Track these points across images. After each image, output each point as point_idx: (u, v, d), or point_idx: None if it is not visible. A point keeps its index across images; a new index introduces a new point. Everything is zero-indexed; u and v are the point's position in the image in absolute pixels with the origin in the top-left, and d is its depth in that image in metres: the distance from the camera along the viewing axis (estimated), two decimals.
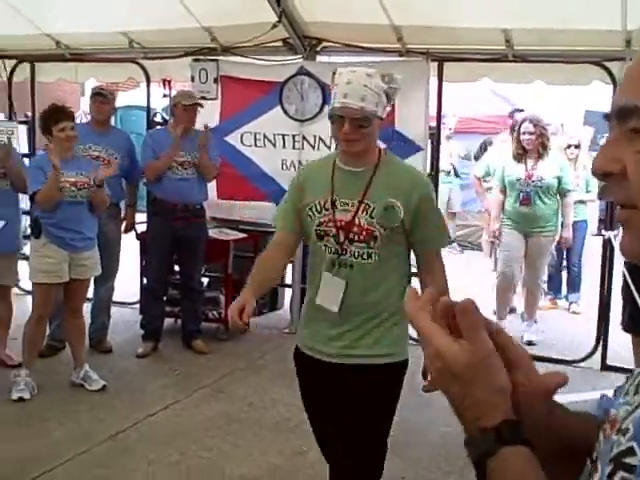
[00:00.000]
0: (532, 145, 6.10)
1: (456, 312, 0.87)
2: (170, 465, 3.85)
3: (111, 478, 3.70)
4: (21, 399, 4.59)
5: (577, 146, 7.22)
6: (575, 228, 6.73)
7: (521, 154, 6.18)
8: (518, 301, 6.80)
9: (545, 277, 7.00)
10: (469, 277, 7.75)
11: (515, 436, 0.85)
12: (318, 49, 6.20)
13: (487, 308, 6.30)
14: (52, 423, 4.33)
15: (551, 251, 6.56)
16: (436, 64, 5.82)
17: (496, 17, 5.30)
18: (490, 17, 5.31)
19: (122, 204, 6.04)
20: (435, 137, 6.07)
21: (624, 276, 4.78)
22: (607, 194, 0.82)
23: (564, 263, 7.41)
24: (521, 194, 6.13)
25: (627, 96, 0.77)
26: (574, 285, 7.37)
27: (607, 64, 5.38)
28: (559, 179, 6.14)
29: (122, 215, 6.02)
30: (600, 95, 8.46)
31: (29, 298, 5.06)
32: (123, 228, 5.96)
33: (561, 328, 6.70)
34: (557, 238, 6.35)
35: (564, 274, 7.47)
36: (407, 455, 4.09)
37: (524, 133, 6.11)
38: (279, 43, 6.13)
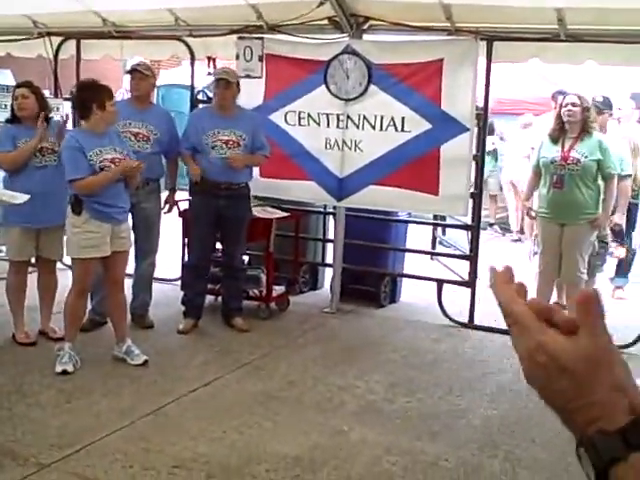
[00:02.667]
0: (574, 119, 5.73)
1: (577, 301, 0.79)
2: (212, 440, 3.85)
3: (155, 451, 3.70)
4: (65, 372, 4.62)
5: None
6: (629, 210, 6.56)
7: (559, 133, 5.87)
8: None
9: (584, 268, 6.48)
10: (510, 261, 7.65)
11: None
12: (365, 27, 6.12)
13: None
14: (95, 396, 4.35)
15: (592, 241, 6.06)
16: (485, 43, 5.71)
17: None
18: None
19: (162, 180, 6.04)
20: (482, 118, 5.95)
21: None
22: None
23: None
24: (554, 176, 5.82)
25: None
26: (623, 269, 7.08)
27: None
28: (598, 162, 5.74)
29: (161, 191, 6.02)
30: None
31: (69, 273, 5.09)
32: (165, 209, 5.96)
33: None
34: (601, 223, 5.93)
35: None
36: (449, 438, 4.05)
37: (566, 105, 5.79)
38: (325, 21, 6.06)
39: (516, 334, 0.82)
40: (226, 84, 5.52)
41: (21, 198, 3.85)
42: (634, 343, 5.56)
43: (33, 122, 5.12)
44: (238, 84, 5.62)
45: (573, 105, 5.77)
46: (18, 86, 5.26)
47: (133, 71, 5.68)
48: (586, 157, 5.74)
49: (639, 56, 5.46)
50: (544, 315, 0.81)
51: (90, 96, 4.70)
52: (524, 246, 9.00)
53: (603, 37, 5.42)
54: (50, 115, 5.34)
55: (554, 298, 6.33)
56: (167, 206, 5.98)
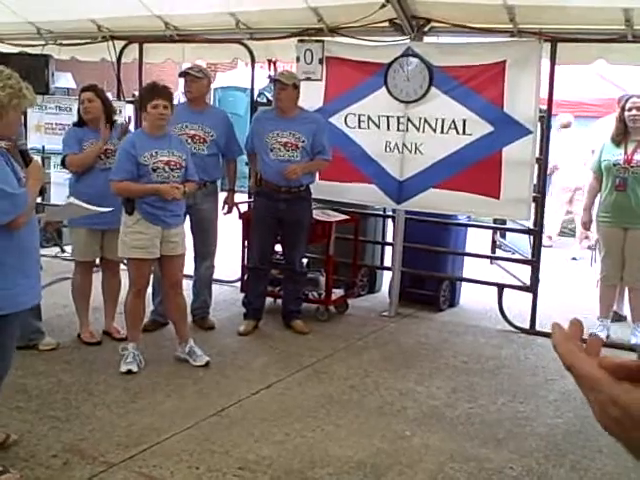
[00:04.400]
0: (639, 123, 5.63)
1: None
2: (275, 443, 3.86)
3: (219, 453, 3.72)
4: (129, 371, 4.70)
5: None
6: None
7: (622, 136, 5.73)
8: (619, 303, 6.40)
9: None
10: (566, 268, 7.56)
11: None
12: (426, 29, 6.09)
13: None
14: (159, 396, 4.41)
15: None
16: (549, 45, 5.62)
17: None
18: None
19: (219, 182, 6.08)
20: (545, 120, 5.86)
21: None
22: None
23: None
24: (617, 179, 5.68)
25: None
26: None
27: None
28: None
29: (218, 192, 6.06)
30: None
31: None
32: (224, 211, 5.99)
33: None
34: None
35: None
36: (513, 445, 3.99)
37: (630, 109, 5.64)
38: (386, 23, 6.05)
39: (585, 389, 0.82)
40: (281, 85, 5.54)
41: (101, 209, 3.95)
42: None
43: (98, 125, 5.22)
44: (296, 86, 5.60)
45: (638, 109, 5.63)
46: (84, 90, 5.33)
47: (185, 74, 5.72)
48: None
49: None
50: (617, 372, 0.80)
51: (140, 99, 4.79)
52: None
53: None
54: (114, 118, 5.44)
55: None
56: (226, 207, 6.01)
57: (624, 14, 5.30)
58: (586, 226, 6.25)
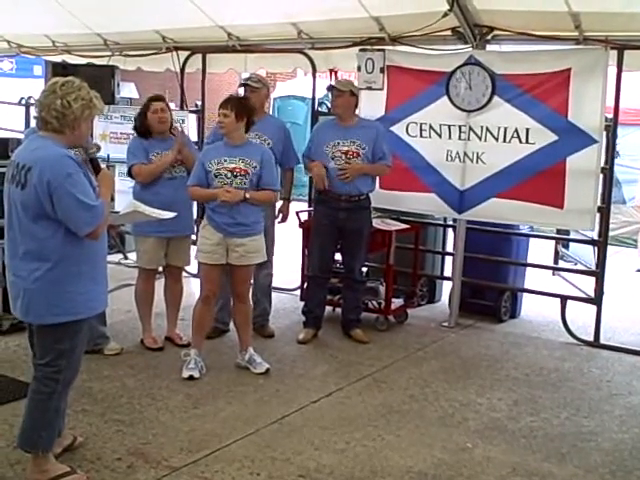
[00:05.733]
0: None
1: None
2: (336, 452, 3.86)
3: (280, 460, 3.74)
4: (191, 377, 4.75)
5: None
6: None
7: None
8: None
9: None
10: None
11: None
12: (488, 38, 6.03)
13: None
14: (220, 402, 4.45)
15: None
16: (615, 52, 5.52)
17: None
18: None
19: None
20: (611, 129, 5.74)
21: None
22: None
23: None
24: None
25: None
26: None
27: None
28: None
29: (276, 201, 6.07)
30: None
31: (193, 280, 5.22)
32: (279, 219, 6.00)
33: None
34: None
35: None
36: (578, 460, 3.91)
37: None
38: (448, 32, 6.01)
39: None
40: (338, 92, 5.59)
41: (167, 214, 4.02)
42: None
43: (164, 135, 5.30)
44: (353, 93, 5.63)
45: None
46: (154, 99, 5.36)
47: (244, 85, 5.76)
48: None
49: None
50: None
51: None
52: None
53: None
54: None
55: None
56: (281, 216, 6.02)
57: None
58: None
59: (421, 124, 6.21)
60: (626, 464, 3.91)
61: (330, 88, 5.73)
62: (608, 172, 5.84)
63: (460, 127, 6.04)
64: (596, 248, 6.13)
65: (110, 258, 7.08)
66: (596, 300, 5.88)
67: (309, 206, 6.53)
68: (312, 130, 5.87)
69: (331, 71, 6.94)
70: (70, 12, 7.27)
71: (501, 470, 3.77)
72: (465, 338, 6.04)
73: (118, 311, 5.96)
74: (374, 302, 6.19)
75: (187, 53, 7.54)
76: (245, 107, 4.87)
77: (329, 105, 6.74)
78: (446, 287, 6.80)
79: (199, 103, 7.88)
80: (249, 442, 3.92)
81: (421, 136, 6.22)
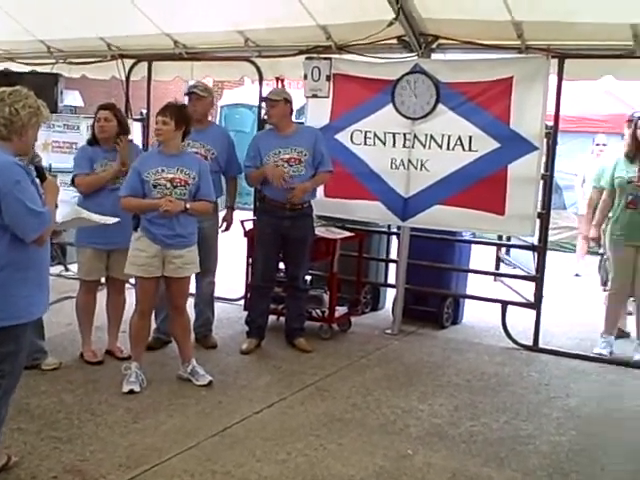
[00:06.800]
0: None
1: None
2: (277, 463, 3.84)
3: (221, 473, 3.70)
4: (131, 391, 4.67)
5: None
6: None
7: (634, 153, 5.76)
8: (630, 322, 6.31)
9: None
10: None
11: None
12: (434, 46, 6.10)
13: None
14: (161, 416, 4.38)
15: None
16: (556, 61, 5.63)
17: (624, 11, 5.08)
18: (617, 11, 5.10)
19: (220, 199, 6.05)
20: (552, 137, 5.85)
21: None
22: None
23: None
24: (629, 197, 5.70)
25: None
26: None
27: None
28: None
29: (219, 210, 6.03)
30: None
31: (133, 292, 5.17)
32: (222, 228, 5.96)
33: None
34: None
35: None
36: (516, 464, 3.97)
37: None
38: (394, 41, 6.08)
39: None
40: (271, 102, 5.60)
41: (110, 220, 3.99)
42: None
43: (111, 144, 5.22)
44: (287, 100, 5.64)
45: None
46: (101, 108, 5.28)
47: (190, 93, 5.72)
48: None
49: None
50: None
51: None
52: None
53: None
54: (130, 138, 5.44)
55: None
56: (225, 224, 5.98)
57: (632, 30, 5.30)
58: (596, 241, 6.22)
59: (366, 132, 6.24)
60: (563, 466, 3.97)
61: (265, 100, 5.73)
62: (548, 179, 5.95)
63: (405, 135, 6.09)
64: (536, 254, 6.23)
65: (51, 270, 7.02)
66: (535, 305, 5.98)
67: (254, 215, 6.50)
68: (251, 142, 5.83)
69: (277, 79, 6.92)
70: (13, 18, 7.14)
71: (441, 476, 3.79)
72: (408, 345, 6.08)
73: (58, 324, 5.83)
74: (318, 311, 6.19)
75: (133, 61, 7.45)
76: (185, 115, 4.83)
77: None
78: (390, 294, 6.83)
79: (144, 111, 7.79)
80: (189, 456, 3.88)
81: (365, 144, 6.25)
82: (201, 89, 5.74)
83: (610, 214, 5.97)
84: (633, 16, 5.18)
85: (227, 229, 6.02)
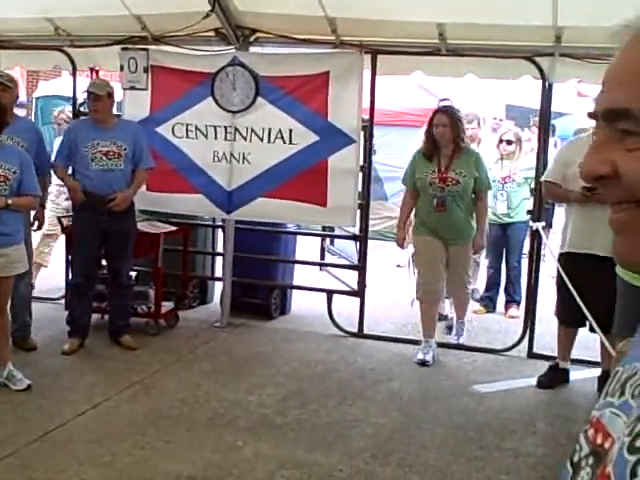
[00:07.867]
0: (445, 139, 5.43)
1: None
2: (102, 465, 3.73)
3: (41, 479, 3.55)
4: None
5: (510, 142, 6.81)
6: (513, 229, 6.79)
7: (432, 151, 5.52)
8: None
9: (472, 281, 6.46)
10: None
11: None
12: (251, 40, 6.12)
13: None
14: None
15: (475, 258, 6.25)
16: (369, 56, 5.82)
17: (431, 11, 5.35)
18: (425, 11, 5.35)
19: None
20: (368, 130, 6.05)
21: (558, 270, 4.92)
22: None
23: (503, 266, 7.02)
24: (435, 200, 5.44)
25: (614, 98, 0.73)
26: (513, 289, 7.01)
27: (537, 59, 5.50)
28: (475, 179, 5.48)
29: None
30: (521, 90, 8.68)
31: None
32: (34, 227, 5.72)
33: (495, 327, 6.66)
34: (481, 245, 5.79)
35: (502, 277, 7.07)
36: (343, 448, 4.08)
37: (437, 126, 5.44)
38: (211, 33, 6.03)
39: None
40: (96, 97, 5.43)
41: None
42: (513, 347, 5.84)
43: None
44: (110, 94, 5.50)
45: (444, 126, 5.42)
46: None
47: None
48: (465, 176, 5.44)
49: (513, 70, 5.69)
50: None
51: None
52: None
53: (480, 51, 5.63)
54: None
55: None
56: (36, 223, 5.73)
57: (438, 29, 5.58)
58: (401, 243, 5.85)
59: (187, 125, 6.16)
60: (386, 446, 4.14)
61: (87, 93, 5.54)
62: (367, 170, 6.15)
63: (226, 128, 6.08)
64: (357, 243, 6.43)
65: None
66: (359, 293, 6.18)
67: (72, 211, 6.23)
68: (65, 133, 5.58)
69: (92, 70, 6.68)
70: None
71: (270, 465, 3.84)
72: (237, 337, 6.10)
73: None
74: (143, 306, 6.06)
75: None
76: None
77: None
78: (218, 288, 6.82)
79: None
80: (6, 464, 3.68)
81: (187, 137, 6.17)
82: (7, 79, 5.44)
83: (413, 215, 5.74)
84: (439, 16, 5.46)
85: (39, 228, 5.77)
